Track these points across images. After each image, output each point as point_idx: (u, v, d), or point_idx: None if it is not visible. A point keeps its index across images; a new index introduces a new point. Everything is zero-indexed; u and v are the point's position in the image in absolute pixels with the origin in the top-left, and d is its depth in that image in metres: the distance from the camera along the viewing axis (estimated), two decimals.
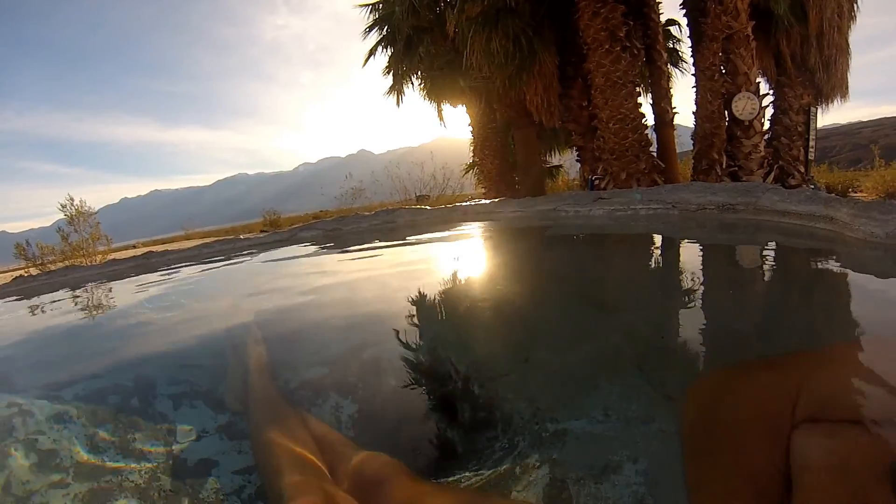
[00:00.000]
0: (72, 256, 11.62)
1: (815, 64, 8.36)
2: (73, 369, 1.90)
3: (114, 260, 4.31)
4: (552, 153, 15.82)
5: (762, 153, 8.56)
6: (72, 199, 12.37)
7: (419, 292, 2.50)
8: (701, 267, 2.53)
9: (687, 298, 2.09)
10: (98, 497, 1.21)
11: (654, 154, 9.22)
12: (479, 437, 1.37)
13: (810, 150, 8.77)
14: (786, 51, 8.44)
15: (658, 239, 3.14)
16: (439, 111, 14.15)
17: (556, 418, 1.33)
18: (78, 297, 3.41)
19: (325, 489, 1.01)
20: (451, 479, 1.20)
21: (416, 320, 2.18)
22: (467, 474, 1.20)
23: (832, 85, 8.58)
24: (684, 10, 9.50)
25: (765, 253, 2.55)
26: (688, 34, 9.58)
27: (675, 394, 1.38)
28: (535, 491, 1.12)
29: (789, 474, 0.79)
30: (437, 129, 14.98)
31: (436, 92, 13.42)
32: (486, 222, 4.14)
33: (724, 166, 8.49)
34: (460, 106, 13.83)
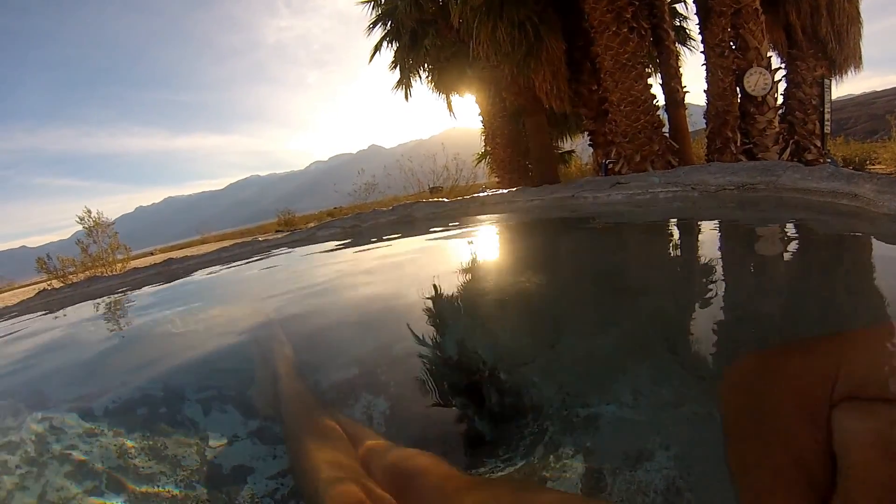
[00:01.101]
0: (92, 267, 11.75)
1: (826, 34, 8.21)
2: (104, 380, 1.92)
3: (135, 268, 4.35)
4: (564, 139, 15.78)
5: (777, 129, 8.47)
6: (89, 211, 12.57)
7: (442, 284, 2.51)
8: (725, 248, 2.51)
9: (713, 280, 2.08)
10: None
11: (667, 135, 9.14)
12: (509, 425, 1.39)
13: (826, 123, 8.64)
14: (796, 23, 8.29)
15: (680, 221, 3.12)
16: (448, 102, 14.18)
17: (587, 403, 1.33)
18: (103, 307, 3.45)
19: (362, 483, 1.02)
20: (482, 469, 1.22)
21: (440, 311, 2.20)
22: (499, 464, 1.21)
23: (845, 55, 8.43)
24: None
25: (789, 231, 2.53)
26: (695, 11, 9.44)
27: (707, 374, 1.39)
28: (570, 478, 1.13)
29: (832, 452, 0.79)
30: (447, 121, 14.99)
31: (444, 83, 13.42)
32: (504, 213, 4.14)
33: (738, 144, 8.40)
34: (469, 96, 13.82)
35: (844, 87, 8.94)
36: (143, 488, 1.28)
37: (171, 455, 1.40)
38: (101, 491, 1.27)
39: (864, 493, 0.73)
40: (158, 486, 1.28)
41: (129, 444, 1.44)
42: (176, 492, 1.27)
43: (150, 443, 1.45)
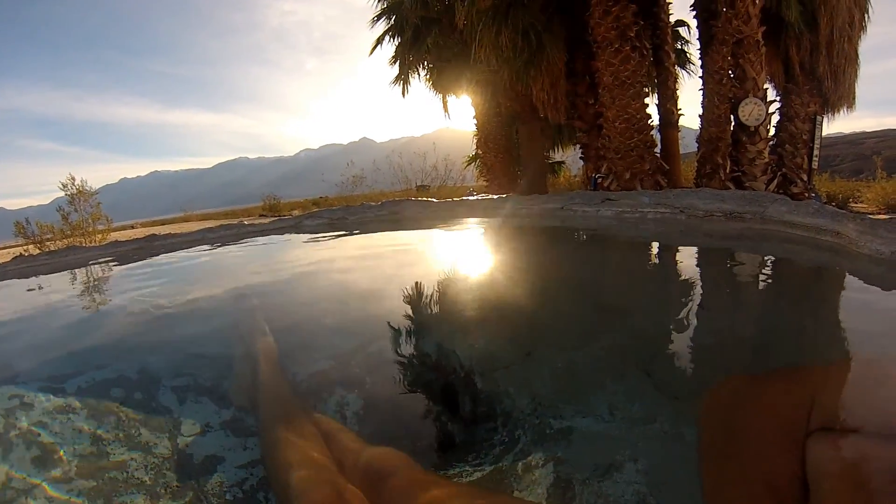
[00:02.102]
0: (71, 235, 11.56)
1: (823, 72, 8.32)
2: (76, 358, 1.88)
3: (116, 241, 4.27)
4: (555, 149, 15.80)
5: (766, 160, 8.57)
6: (73, 179, 12.32)
7: (420, 287, 2.51)
8: (708, 273, 2.55)
9: (693, 304, 2.11)
10: (103, 492, 1.21)
11: (658, 155, 9.21)
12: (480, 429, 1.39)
13: (814, 158, 8.76)
14: (795, 58, 8.39)
15: (666, 244, 3.15)
16: (444, 102, 14.15)
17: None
18: (80, 279, 3.40)
19: (335, 483, 1.03)
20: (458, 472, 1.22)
21: (419, 312, 2.21)
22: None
23: (839, 94, 8.54)
24: (694, 12, 9.42)
25: (771, 262, 2.56)
26: (697, 36, 9.53)
27: (681, 395, 1.41)
28: (540, 488, 1.14)
29: (804, 479, 0.81)
30: (440, 120, 14.96)
31: (442, 83, 13.39)
32: (492, 219, 4.15)
33: (727, 171, 8.47)
34: (465, 97, 13.79)
35: (835, 125, 9.05)
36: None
37: (144, 441, 1.39)
38: (69, 477, 1.25)
39: None
40: (128, 473, 1.27)
41: (101, 431, 1.42)
42: (146, 478, 1.26)
43: (123, 427, 1.43)
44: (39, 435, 1.38)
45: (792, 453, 0.83)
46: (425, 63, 13.45)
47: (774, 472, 0.86)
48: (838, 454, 0.81)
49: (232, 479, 1.26)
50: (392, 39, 13.34)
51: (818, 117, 8.69)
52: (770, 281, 2.35)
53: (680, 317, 2.00)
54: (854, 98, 8.68)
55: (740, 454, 0.94)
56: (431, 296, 2.43)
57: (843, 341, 1.61)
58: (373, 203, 4.60)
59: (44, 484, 1.21)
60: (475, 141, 14.51)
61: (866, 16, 8.43)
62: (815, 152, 8.72)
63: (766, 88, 8.49)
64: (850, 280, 2.12)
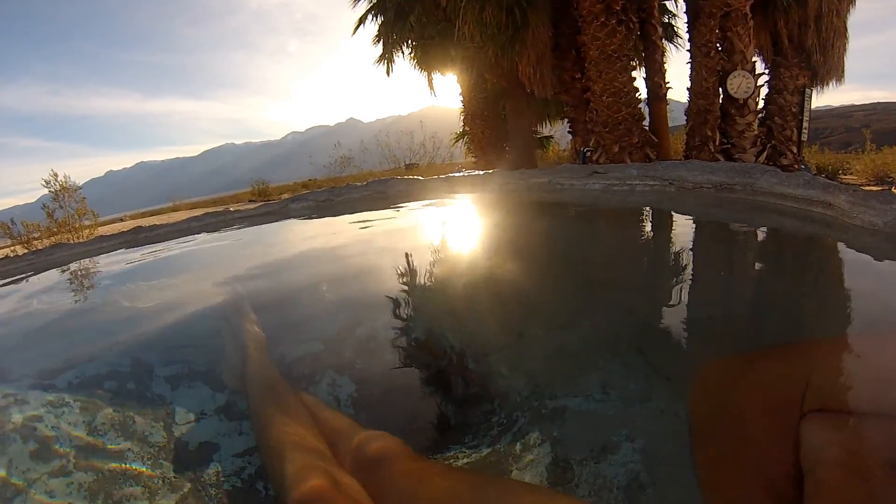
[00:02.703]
0: (58, 232, 11.39)
1: (812, 46, 8.28)
2: (68, 354, 1.84)
3: (101, 236, 4.20)
4: (543, 123, 15.79)
5: (755, 132, 8.57)
6: (55, 175, 12.06)
7: (409, 265, 2.50)
8: (699, 247, 2.52)
9: (685, 279, 2.08)
10: (101, 485, 1.18)
11: (647, 128, 9.19)
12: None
13: (804, 131, 8.76)
14: (783, 31, 8.34)
15: (656, 217, 3.12)
16: (430, 80, 14.07)
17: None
18: (66, 277, 3.34)
19: (330, 471, 1.01)
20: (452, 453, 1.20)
21: (409, 291, 2.19)
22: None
23: (828, 68, 8.51)
24: None
25: (763, 234, 2.54)
26: (684, 10, 9.44)
27: (674, 375, 1.38)
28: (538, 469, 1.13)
29: (798, 463, 0.78)
30: (426, 98, 14.90)
31: (426, 61, 13.29)
32: (479, 194, 4.11)
33: (717, 143, 8.48)
34: (451, 75, 13.71)
35: (824, 98, 9.05)
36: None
37: (139, 431, 1.36)
38: (68, 471, 1.22)
39: None
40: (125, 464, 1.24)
41: (98, 420, 1.39)
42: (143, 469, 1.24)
43: (118, 418, 1.40)
44: (35, 429, 1.35)
45: (786, 437, 0.81)
46: (409, 41, 13.34)
47: (768, 458, 0.84)
48: (833, 438, 0.78)
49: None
50: (375, 18, 13.21)
51: (807, 90, 8.67)
52: (760, 252, 2.34)
53: (672, 292, 1.98)
54: (843, 71, 8.66)
55: (732, 439, 0.92)
56: (419, 276, 2.41)
57: (839, 314, 1.58)
58: (359, 183, 4.55)
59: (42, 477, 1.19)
60: (462, 117, 14.47)
61: None
62: (805, 125, 8.71)
63: (755, 61, 8.49)
64: (844, 251, 2.09)
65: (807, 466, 0.77)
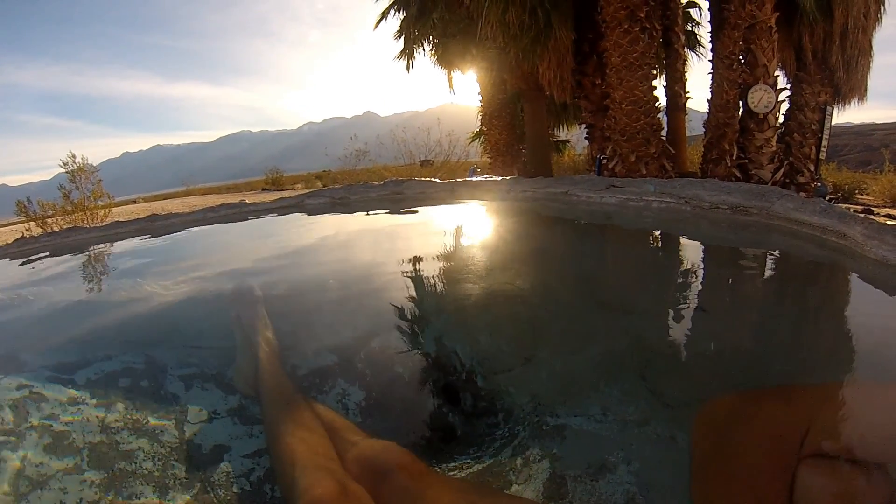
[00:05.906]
0: (73, 212, 11.53)
1: (836, 63, 8.21)
2: (82, 347, 1.85)
3: (117, 222, 4.22)
4: (560, 127, 15.78)
5: (774, 148, 8.48)
6: (73, 156, 12.21)
7: (419, 274, 2.52)
8: (711, 274, 2.53)
9: (693, 305, 2.09)
10: (113, 483, 1.21)
11: (665, 138, 9.15)
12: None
13: (822, 149, 8.70)
14: (808, 46, 8.27)
15: (670, 240, 3.13)
16: (449, 78, 14.07)
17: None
18: (81, 264, 3.39)
19: (338, 479, 1.04)
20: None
21: (420, 295, 2.22)
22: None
23: (851, 85, 8.45)
24: None
25: (775, 262, 2.54)
26: (708, 19, 9.36)
27: (674, 403, 1.40)
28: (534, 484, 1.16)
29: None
30: (445, 95, 14.92)
31: (447, 58, 13.30)
32: (494, 201, 4.15)
33: (734, 158, 8.39)
34: (471, 73, 13.72)
35: (844, 115, 8.94)
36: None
37: (151, 429, 1.39)
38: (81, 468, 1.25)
39: None
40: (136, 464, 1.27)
41: (110, 417, 1.42)
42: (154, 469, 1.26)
43: (130, 416, 1.43)
44: (51, 426, 1.38)
45: (783, 479, 0.82)
46: (431, 38, 13.35)
47: (764, 497, 0.85)
48: (828, 485, 0.80)
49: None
50: (397, 13, 13.22)
51: (828, 107, 8.60)
52: (772, 282, 2.34)
53: (680, 318, 1.99)
54: (866, 89, 8.60)
55: (730, 475, 0.94)
56: (432, 284, 2.43)
57: (845, 354, 1.59)
58: (375, 182, 4.59)
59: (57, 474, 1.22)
60: (479, 117, 14.47)
61: (882, 7, 8.29)
62: (824, 143, 8.65)
63: (777, 76, 8.39)
64: (857, 285, 2.09)
65: None
